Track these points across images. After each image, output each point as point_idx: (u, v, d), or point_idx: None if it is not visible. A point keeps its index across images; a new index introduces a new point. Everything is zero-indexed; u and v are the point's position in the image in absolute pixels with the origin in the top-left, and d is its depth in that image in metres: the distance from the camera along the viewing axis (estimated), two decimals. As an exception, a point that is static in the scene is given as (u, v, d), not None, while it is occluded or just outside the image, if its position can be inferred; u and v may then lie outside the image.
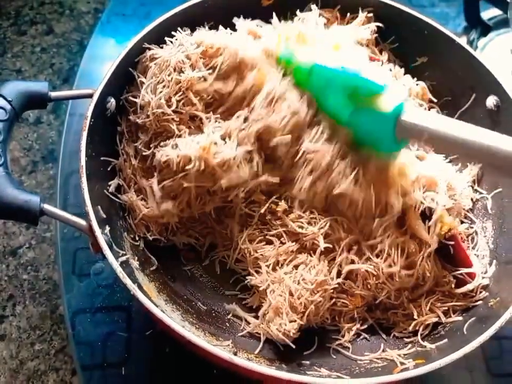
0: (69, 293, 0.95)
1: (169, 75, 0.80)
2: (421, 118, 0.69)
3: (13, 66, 1.54)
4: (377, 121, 0.71)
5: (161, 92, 0.80)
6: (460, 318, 0.77)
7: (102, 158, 0.82)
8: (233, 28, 0.91)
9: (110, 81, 0.80)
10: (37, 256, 1.21)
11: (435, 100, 0.96)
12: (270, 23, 0.95)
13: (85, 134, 0.73)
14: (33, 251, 1.20)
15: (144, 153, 0.82)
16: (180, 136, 0.79)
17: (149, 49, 0.85)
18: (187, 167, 0.75)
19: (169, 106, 0.79)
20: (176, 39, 0.85)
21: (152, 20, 1.11)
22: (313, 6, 0.94)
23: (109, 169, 0.84)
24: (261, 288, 0.76)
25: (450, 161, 0.91)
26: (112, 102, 0.82)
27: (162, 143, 0.80)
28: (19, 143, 1.34)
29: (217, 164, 0.75)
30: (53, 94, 0.75)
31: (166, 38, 0.87)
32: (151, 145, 0.82)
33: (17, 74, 1.52)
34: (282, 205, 0.79)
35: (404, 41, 0.96)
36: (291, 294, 0.73)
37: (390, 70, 0.93)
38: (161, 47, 0.86)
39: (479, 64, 0.88)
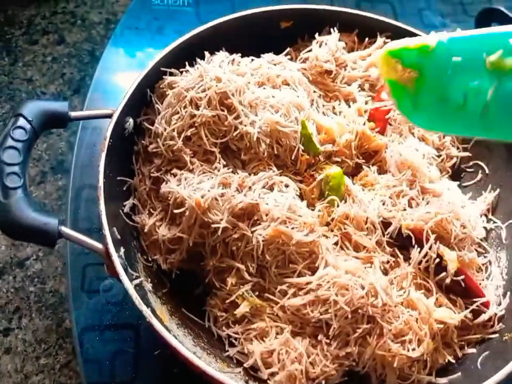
0: (77, 310, 0.95)
1: (184, 107, 0.80)
2: None
3: (24, 75, 1.54)
4: None
5: (175, 124, 0.80)
6: (474, 351, 0.76)
7: (118, 178, 0.82)
8: (254, 51, 0.92)
9: (129, 101, 0.80)
10: (44, 268, 1.20)
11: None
12: (288, 44, 0.96)
13: (103, 155, 0.73)
14: (40, 263, 1.20)
15: (154, 175, 0.83)
16: (191, 170, 0.80)
17: (169, 74, 0.85)
18: (181, 210, 0.76)
19: (181, 139, 0.80)
20: (196, 67, 0.85)
21: (165, 34, 1.11)
22: (333, 30, 0.94)
23: (124, 188, 0.84)
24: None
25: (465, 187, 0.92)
26: (130, 122, 0.82)
27: (174, 170, 0.81)
28: (28, 153, 1.33)
29: (206, 222, 0.75)
30: (73, 113, 0.75)
31: (186, 63, 0.87)
32: (162, 168, 0.83)
33: (28, 84, 1.52)
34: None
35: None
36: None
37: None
38: (181, 71, 0.86)
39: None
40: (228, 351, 0.76)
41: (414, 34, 0.94)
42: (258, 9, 0.94)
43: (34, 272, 1.19)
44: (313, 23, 0.97)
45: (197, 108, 0.79)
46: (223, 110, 0.79)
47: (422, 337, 0.72)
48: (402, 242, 0.79)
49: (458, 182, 0.92)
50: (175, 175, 0.80)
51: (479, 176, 0.93)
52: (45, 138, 1.22)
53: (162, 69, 0.85)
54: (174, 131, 0.80)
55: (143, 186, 0.83)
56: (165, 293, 0.80)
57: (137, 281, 0.73)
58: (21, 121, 0.69)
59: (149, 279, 0.78)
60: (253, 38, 0.94)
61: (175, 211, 0.76)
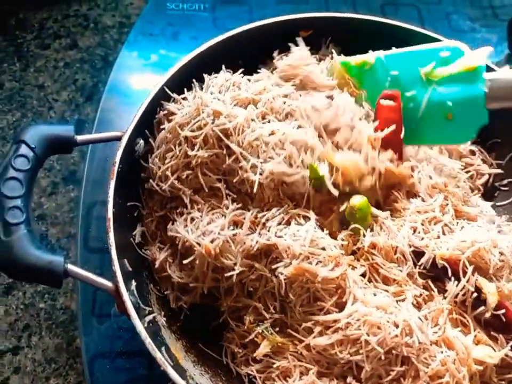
0: (87, 336, 0.91)
1: (179, 145, 0.75)
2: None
3: (35, 81, 1.50)
4: (465, 87, 0.75)
5: (169, 162, 0.75)
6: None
7: (128, 204, 0.77)
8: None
9: (139, 122, 0.76)
10: (55, 284, 1.17)
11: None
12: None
13: (112, 183, 0.69)
14: (50, 279, 1.16)
15: (157, 214, 0.78)
16: (199, 209, 0.75)
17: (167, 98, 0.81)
18: (190, 259, 0.71)
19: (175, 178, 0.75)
20: (194, 96, 0.80)
21: (180, 40, 1.07)
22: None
23: (135, 214, 0.79)
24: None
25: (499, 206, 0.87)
26: (141, 143, 0.78)
27: (180, 209, 0.76)
28: (39, 163, 1.30)
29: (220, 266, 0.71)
30: (79, 138, 0.70)
31: (185, 90, 0.82)
32: (167, 206, 0.78)
33: (40, 90, 1.48)
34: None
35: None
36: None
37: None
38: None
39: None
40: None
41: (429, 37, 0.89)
42: (276, 19, 0.89)
43: (44, 288, 1.16)
44: (334, 31, 0.92)
45: (193, 146, 0.74)
46: (221, 149, 0.74)
47: (460, 380, 0.66)
48: (436, 274, 0.73)
49: (492, 202, 0.86)
50: (181, 214, 0.75)
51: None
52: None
53: (166, 89, 0.80)
54: (168, 170, 0.75)
55: (150, 218, 0.79)
56: (180, 326, 0.76)
57: (150, 317, 0.69)
58: (23, 149, 0.64)
59: (163, 312, 0.74)
60: (273, 48, 0.89)
61: (184, 261, 0.72)
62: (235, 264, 0.69)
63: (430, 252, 0.72)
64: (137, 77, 1.26)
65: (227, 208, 0.73)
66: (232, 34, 0.86)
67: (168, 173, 0.75)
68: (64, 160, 1.34)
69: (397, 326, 0.65)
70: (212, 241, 0.69)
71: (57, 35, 1.58)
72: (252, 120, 0.76)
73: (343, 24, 0.92)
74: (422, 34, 0.91)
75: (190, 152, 0.73)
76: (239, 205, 0.74)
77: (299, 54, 0.86)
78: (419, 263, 0.72)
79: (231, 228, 0.71)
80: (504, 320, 0.71)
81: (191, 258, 0.70)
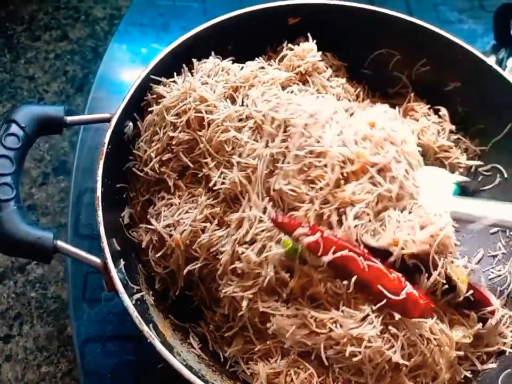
0: (78, 320, 0.92)
1: (164, 128, 0.76)
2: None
3: (25, 72, 1.50)
4: None
5: (155, 145, 0.76)
6: (494, 366, 0.72)
7: (117, 185, 0.78)
8: (258, 49, 0.89)
9: (128, 105, 0.76)
10: (46, 273, 1.17)
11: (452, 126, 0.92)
12: (295, 42, 0.92)
13: (101, 163, 0.69)
14: (41, 268, 1.17)
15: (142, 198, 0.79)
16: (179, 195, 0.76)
17: (156, 82, 0.81)
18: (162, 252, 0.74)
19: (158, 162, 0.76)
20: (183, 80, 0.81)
21: (170, 31, 1.08)
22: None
23: (124, 195, 0.80)
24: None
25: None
26: (130, 126, 0.78)
27: (161, 194, 0.77)
28: (30, 154, 1.29)
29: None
30: (69, 118, 0.71)
31: (175, 74, 0.83)
32: (151, 189, 0.79)
33: (30, 82, 1.48)
34: None
35: (436, 64, 0.92)
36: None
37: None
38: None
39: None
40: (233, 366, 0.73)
41: (429, 31, 0.90)
42: (264, 5, 0.90)
43: (35, 277, 1.16)
44: (322, 18, 0.92)
45: (176, 129, 0.75)
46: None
47: (438, 371, 0.68)
48: (404, 269, 0.69)
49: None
50: (162, 198, 0.76)
51: (498, 180, 0.88)
52: (47, 138, 1.19)
53: (152, 76, 0.80)
54: (152, 153, 0.76)
55: (136, 200, 0.79)
56: (168, 305, 0.76)
57: (138, 295, 0.70)
58: (14, 128, 0.65)
59: (151, 292, 0.75)
60: (261, 35, 0.90)
61: (157, 255, 0.74)
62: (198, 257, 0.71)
63: (398, 251, 0.67)
64: (127, 67, 1.27)
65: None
66: (220, 20, 0.86)
67: (153, 155, 0.76)
68: (54, 150, 1.34)
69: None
70: (181, 233, 0.71)
71: (48, 27, 1.58)
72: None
73: (330, 11, 0.92)
74: (410, 22, 0.91)
75: (171, 134, 0.74)
76: (212, 199, 0.74)
77: (307, 46, 0.87)
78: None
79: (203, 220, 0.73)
80: (473, 299, 0.72)
81: (164, 250, 0.73)
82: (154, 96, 0.81)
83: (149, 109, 0.79)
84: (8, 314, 1.13)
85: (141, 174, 0.77)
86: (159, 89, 0.80)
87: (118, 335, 0.90)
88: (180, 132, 0.75)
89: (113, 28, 1.48)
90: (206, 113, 0.75)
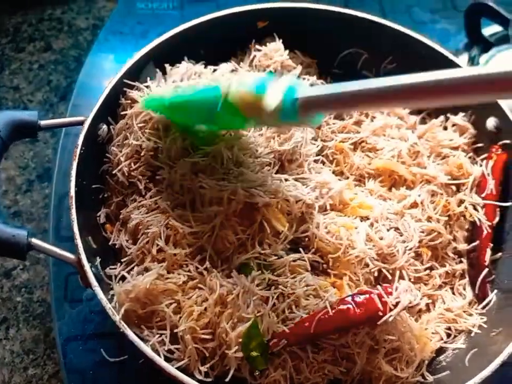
0: (60, 320, 0.93)
1: (133, 133, 0.79)
2: (315, 90, 0.66)
3: (10, 83, 1.53)
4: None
5: (125, 150, 0.79)
6: (463, 346, 0.75)
7: (93, 186, 0.80)
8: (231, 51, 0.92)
9: (101, 107, 0.78)
10: (31, 278, 1.19)
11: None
12: (263, 42, 0.95)
13: (75, 163, 0.72)
14: (27, 273, 1.18)
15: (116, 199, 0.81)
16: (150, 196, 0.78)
17: (129, 86, 0.83)
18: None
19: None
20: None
21: (150, 38, 1.10)
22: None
23: (101, 196, 0.82)
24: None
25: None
26: (104, 128, 0.81)
27: (133, 196, 0.79)
28: (15, 162, 1.32)
29: None
30: (43, 122, 0.73)
31: (148, 79, 0.86)
32: (124, 192, 0.81)
33: (15, 92, 1.51)
34: None
35: (402, 61, 0.95)
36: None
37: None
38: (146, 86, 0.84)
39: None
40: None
41: (403, 33, 0.93)
42: (233, 10, 0.92)
43: (21, 282, 1.18)
44: (291, 21, 0.95)
45: (143, 134, 0.78)
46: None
47: (412, 357, 0.71)
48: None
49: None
50: (134, 200, 0.78)
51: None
52: (31, 146, 1.21)
53: (126, 81, 0.83)
54: (122, 157, 0.78)
55: (111, 200, 0.82)
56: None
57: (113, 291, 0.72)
58: (-12, 133, 0.68)
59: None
60: (230, 38, 0.93)
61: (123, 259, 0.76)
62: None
63: None
64: (107, 75, 1.29)
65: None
66: (192, 25, 0.89)
67: (123, 159, 0.78)
68: (38, 158, 1.37)
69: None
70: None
71: (32, 38, 1.61)
72: None
73: (299, 15, 0.95)
74: (381, 24, 0.94)
75: (135, 142, 0.77)
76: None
77: (274, 45, 0.91)
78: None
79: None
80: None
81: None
82: (129, 101, 0.83)
83: (122, 113, 0.82)
84: (-6, 319, 1.15)
85: (112, 178, 0.80)
86: (133, 93, 0.83)
87: (99, 333, 0.92)
88: (146, 140, 0.78)
89: (95, 38, 1.51)
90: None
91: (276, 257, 0.73)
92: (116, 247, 0.78)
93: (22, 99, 1.47)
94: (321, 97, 0.64)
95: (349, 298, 0.68)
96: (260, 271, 0.72)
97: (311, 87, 0.71)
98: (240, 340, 0.67)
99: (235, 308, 0.68)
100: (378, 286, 0.70)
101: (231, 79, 0.69)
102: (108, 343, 0.90)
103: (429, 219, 0.80)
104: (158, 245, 0.72)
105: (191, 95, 0.75)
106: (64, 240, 0.99)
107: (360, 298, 0.68)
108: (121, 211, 0.79)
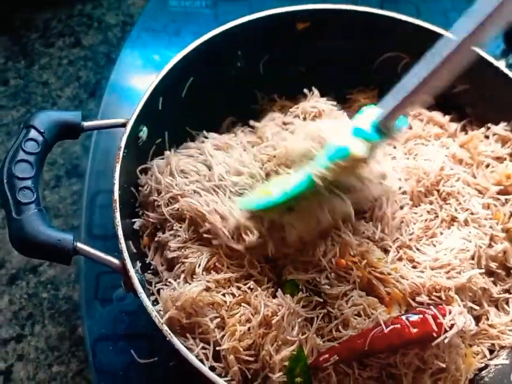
0: (90, 319, 0.94)
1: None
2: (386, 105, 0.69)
3: (39, 78, 1.53)
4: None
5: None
6: (506, 362, 0.74)
7: (132, 188, 0.80)
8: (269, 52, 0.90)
9: (143, 110, 0.78)
10: (57, 274, 1.18)
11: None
12: (302, 50, 0.93)
13: (118, 166, 0.71)
14: (53, 269, 1.18)
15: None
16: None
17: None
18: None
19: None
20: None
21: (182, 37, 1.10)
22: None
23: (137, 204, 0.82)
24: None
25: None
26: (144, 130, 0.81)
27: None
28: (43, 157, 1.32)
29: None
30: (86, 124, 0.73)
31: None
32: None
33: (44, 87, 1.50)
34: None
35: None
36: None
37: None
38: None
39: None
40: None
41: (436, 33, 0.91)
42: (273, 11, 0.92)
43: (47, 278, 1.18)
44: (332, 23, 0.94)
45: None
46: None
47: (457, 377, 0.70)
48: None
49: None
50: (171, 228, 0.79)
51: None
52: (59, 142, 1.20)
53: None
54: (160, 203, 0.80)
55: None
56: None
57: (153, 297, 0.72)
58: (33, 133, 0.67)
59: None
60: (270, 40, 0.92)
61: None
62: None
63: None
64: (139, 73, 1.29)
65: None
66: (230, 27, 0.89)
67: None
68: (67, 154, 1.36)
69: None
70: None
71: (62, 34, 1.61)
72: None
73: (341, 16, 0.93)
74: (417, 26, 0.93)
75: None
76: None
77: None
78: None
79: None
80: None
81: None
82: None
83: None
84: (20, 314, 1.15)
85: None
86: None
87: (130, 333, 0.92)
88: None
89: (125, 34, 1.50)
90: None
91: (328, 287, 0.71)
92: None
93: (51, 94, 1.47)
94: (394, 108, 0.67)
95: (403, 317, 0.67)
96: (307, 293, 0.71)
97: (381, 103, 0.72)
98: (284, 364, 0.66)
99: (280, 330, 0.67)
100: (432, 307, 0.69)
101: (308, 161, 0.72)
102: (138, 344, 0.90)
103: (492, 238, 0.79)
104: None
105: (290, 193, 0.72)
106: (96, 238, 1.00)
107: (414, 318, 0.67)
108: (157, 233, 0.79)
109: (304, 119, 0.89)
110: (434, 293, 0.72)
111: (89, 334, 0.93)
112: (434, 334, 0.66)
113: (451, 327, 0.67)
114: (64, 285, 1.16)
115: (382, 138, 0.69)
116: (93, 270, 0.98)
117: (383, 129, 0.68)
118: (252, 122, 0.92)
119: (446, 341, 0.66)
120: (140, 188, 0.82)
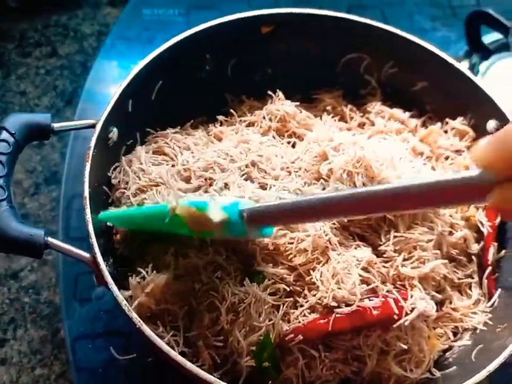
0: (70, 319, 0.95)
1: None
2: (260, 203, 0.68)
3: (16, 88, 1.55)
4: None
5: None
6: (469, 343, 0.77)
7: (104, 187, 0.82)
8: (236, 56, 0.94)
9: (112, 111, 0.80)
10: (38, 279, 1.21)
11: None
12: (268, 52, 0.97)
13: (88, 165, 0.73)
14: (34, 274, 1.20)
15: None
16: None
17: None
18: None
19: None
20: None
21: (156, 44, 1.12)
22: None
23: (110, 201, 0.84)
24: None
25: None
26: (114, 131, 0.82)
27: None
28: (22, 165, 1.34)
29: None
30: (56, 125, 0.75)
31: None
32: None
33: (21, 96, 1.53)
34: None
35: (403, 66, 0.97)
36: None
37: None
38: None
39: (478, 88, 0.89)
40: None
41: (398, 37, 0.95)
42: (238, 15, 0.94)
43: (29, 283, 1.20)
44: (297, 27, 0.97)
45: None
46: None
47: (421, 358, 0.73)
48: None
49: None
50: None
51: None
52: (38, 150, 1.23)
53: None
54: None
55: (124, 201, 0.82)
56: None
57: (127, 293, 0.73)
58: (4, 135, 0.70)
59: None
60: (234, 44, 0.95)
61: None
62: None
63: None
64: (113, 80, 1.31)
65: None
66: (198, 31, 0.91)
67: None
68: (46, 161, 1.39)
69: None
70: None
71: (38, 44, 1.64)
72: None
73: (306, 20, 0.96)
74: (384, 30, 0.95)
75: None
76: None
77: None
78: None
79: None
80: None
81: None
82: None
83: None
84: (2, 319, 1.16)
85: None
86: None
87: (108, 331, 0.93)
88: None
89: (101, 44, 1.53)
90: None
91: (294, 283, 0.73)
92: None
93: (29, 103, 1.50)
94: (266, 209, 0.65)
95: (366, 300, 0.70)
96: (273, 280, 0.73)
97: (257, 202, 0.72)
98: (252, 349, 0.69)
99: (247, 317, 0.69)
100: (394, 291, 0.72)
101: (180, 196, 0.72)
102: (117, 342, 0.92)
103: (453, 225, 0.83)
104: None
105: (139, 210, 0.75)
106: (74, 240, 1.01)
107: (376, 301, 0.70)
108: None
109: (270, 120, 0.91)
110: (398, 282, 0.75)
111: (69, 334, 0.94)
112: (396, 317, 0.69)
113: (412, 310, 0.70)
114: (45, 289, 1.18)
115: (242, 227, 0.66)
116: (72, 271, 0.99)
117: (246, 223, 0.65)
118: (221, 117, 0.94)
119: (406, 323, 0.68)
120: (113, 186, 0.83)
